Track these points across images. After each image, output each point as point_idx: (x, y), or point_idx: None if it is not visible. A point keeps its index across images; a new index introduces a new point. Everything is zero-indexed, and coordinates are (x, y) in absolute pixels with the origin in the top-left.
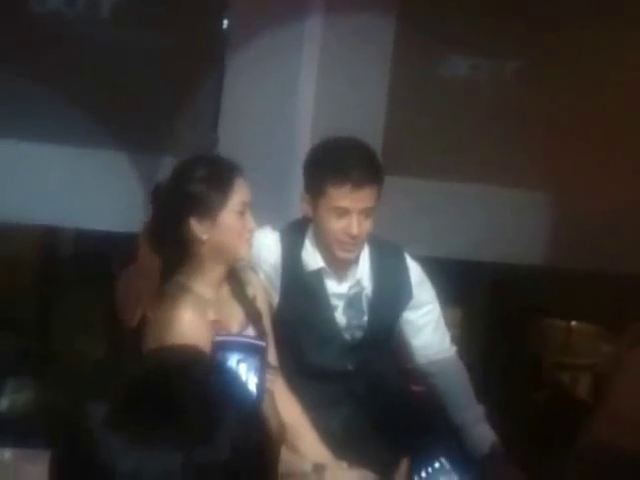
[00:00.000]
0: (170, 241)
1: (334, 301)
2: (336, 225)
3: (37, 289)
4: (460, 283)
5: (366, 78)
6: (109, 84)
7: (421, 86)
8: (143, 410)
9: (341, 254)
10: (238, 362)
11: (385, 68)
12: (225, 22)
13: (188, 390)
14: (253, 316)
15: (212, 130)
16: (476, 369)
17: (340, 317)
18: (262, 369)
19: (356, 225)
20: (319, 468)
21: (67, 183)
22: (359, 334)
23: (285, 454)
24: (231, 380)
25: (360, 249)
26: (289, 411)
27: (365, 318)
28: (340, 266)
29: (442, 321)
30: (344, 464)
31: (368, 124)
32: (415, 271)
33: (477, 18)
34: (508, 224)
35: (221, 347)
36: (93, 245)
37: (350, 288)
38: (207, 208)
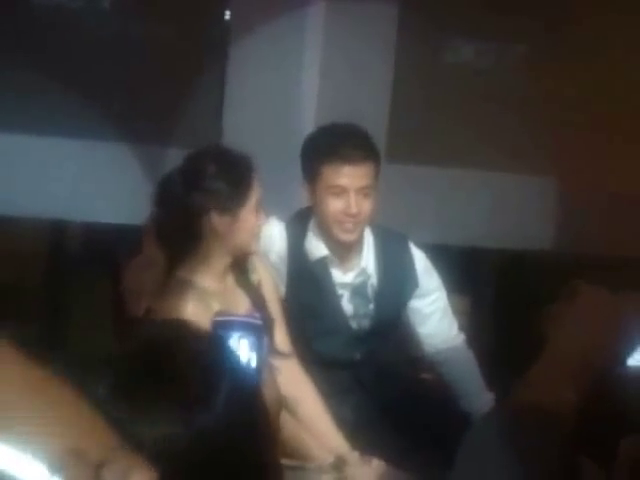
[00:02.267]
0: (179, 235)
1: (340, 290)
2: (334, 205)
3: (44, 282)
4: (467, 270)
5: (370, 65)
6: (112, 76)
7: (425, 73)
8: (142, 380)
9: (342, 235)
10: (239, 339)
11: (389, 55)
12: (227, 12)
13: (183, 359)
14: (258, 302)
15: (216, 120)
16: (484, 356)
17: (346, 306)
18: (260, 346)
19: (354, 203)
20: (340, 462)
21: (72, 176)
22: (366, 323)
23: (301, 444)
24: (225, 349)
25: (361, 231)
26: (304, 397)
27: (371, 307)
28: (344, 252)
29: (449, 309)
30: (356, 454)
31: (372, 111)
32: (420, 259)
33: (480, 3)
34: (514, 210)
35: (219, 327)
36: (99, 238)
37: (355, 277)
38: (229, 203)
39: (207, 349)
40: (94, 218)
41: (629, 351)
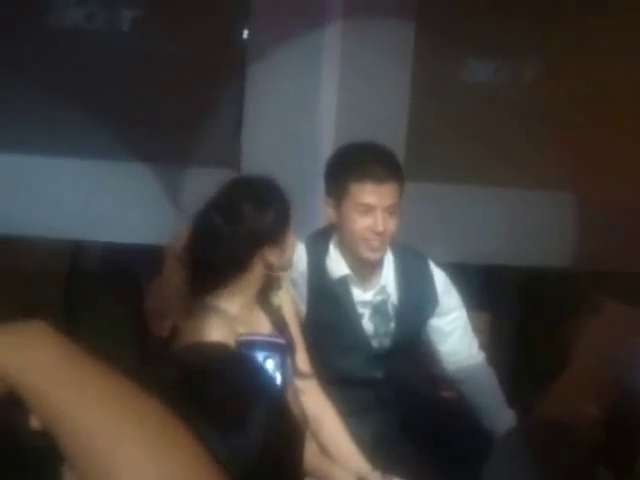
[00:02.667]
0: (222, 271)
1: (360, 309)
2: (361, 223)
3: (64, 303)
4: (486, 288)
5: (387, 84)
6: (131, 96)
7: (442, 90)
8: (178, 403)
9: (367, 253)
10: (265, 358)
11: (406, 73)
12: (246, 31)
13: (219, 383)
14: (279, 324)
15: (235, 139)
16: (505, 373)
17: (367, 325)
18: (284, 365)
19: (381, 221)
20: None
21: (91, 196)
22: (386, 341)
23: (323, 464)
24: (260, 373)
25: (384, 250)
26: (325, 418)
27: (392, 325)
28: (365, 271)
29: (469, 327)
30: (378, 473)
31: (390, 130)
32: (440, 278)
33: (497, 21)
34: (533, 227)
35: (244, 347)
36: (119, 257)
37: (375, 295)
38: (277, 235)
39: (244, 370)
40: (113, 238)
41: None
